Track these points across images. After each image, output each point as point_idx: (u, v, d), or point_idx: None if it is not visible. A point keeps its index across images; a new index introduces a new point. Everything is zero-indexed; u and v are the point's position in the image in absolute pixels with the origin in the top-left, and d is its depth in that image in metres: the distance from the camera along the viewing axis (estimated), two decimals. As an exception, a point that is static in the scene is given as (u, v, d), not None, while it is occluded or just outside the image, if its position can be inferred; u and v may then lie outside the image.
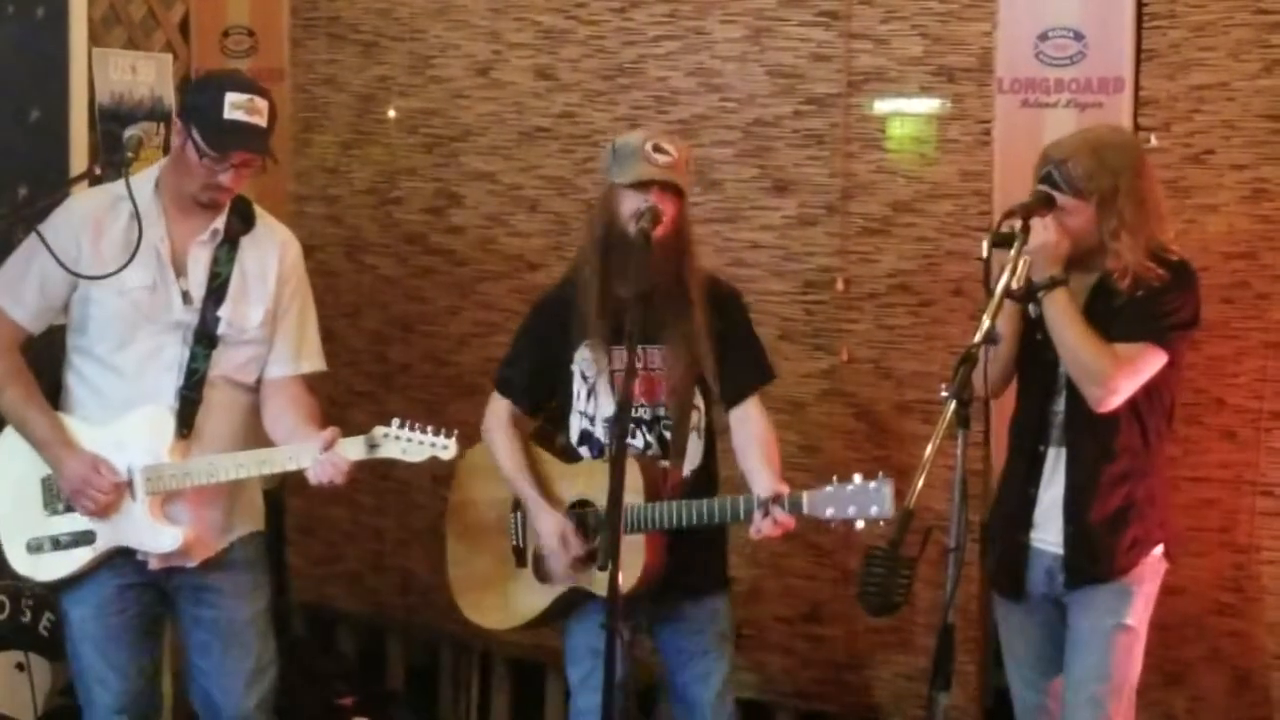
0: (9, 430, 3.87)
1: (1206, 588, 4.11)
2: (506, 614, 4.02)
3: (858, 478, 3.58)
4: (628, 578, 3.60)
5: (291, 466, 3.70)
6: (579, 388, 3.93)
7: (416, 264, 5.18)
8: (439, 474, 4.51)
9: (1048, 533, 3.69)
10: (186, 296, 3.77)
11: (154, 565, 3.82)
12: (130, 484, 3.74)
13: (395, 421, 3.64)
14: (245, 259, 3.82)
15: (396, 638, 5.46)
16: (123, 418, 3.75)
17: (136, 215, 3.65)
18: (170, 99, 5.18)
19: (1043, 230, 3.52)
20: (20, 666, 4.68)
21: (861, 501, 3.56)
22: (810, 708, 4.74)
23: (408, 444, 3.63)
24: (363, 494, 5.33)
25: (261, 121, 3.70)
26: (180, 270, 3.77)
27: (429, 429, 3.64)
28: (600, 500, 3.82)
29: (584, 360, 3.91)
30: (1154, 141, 4.09)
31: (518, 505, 3.98)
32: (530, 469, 3.94)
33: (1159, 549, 3.70)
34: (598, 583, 3.77)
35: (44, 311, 3.81)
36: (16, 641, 4.66)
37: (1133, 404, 3.58)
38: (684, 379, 3.84)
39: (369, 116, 5.32)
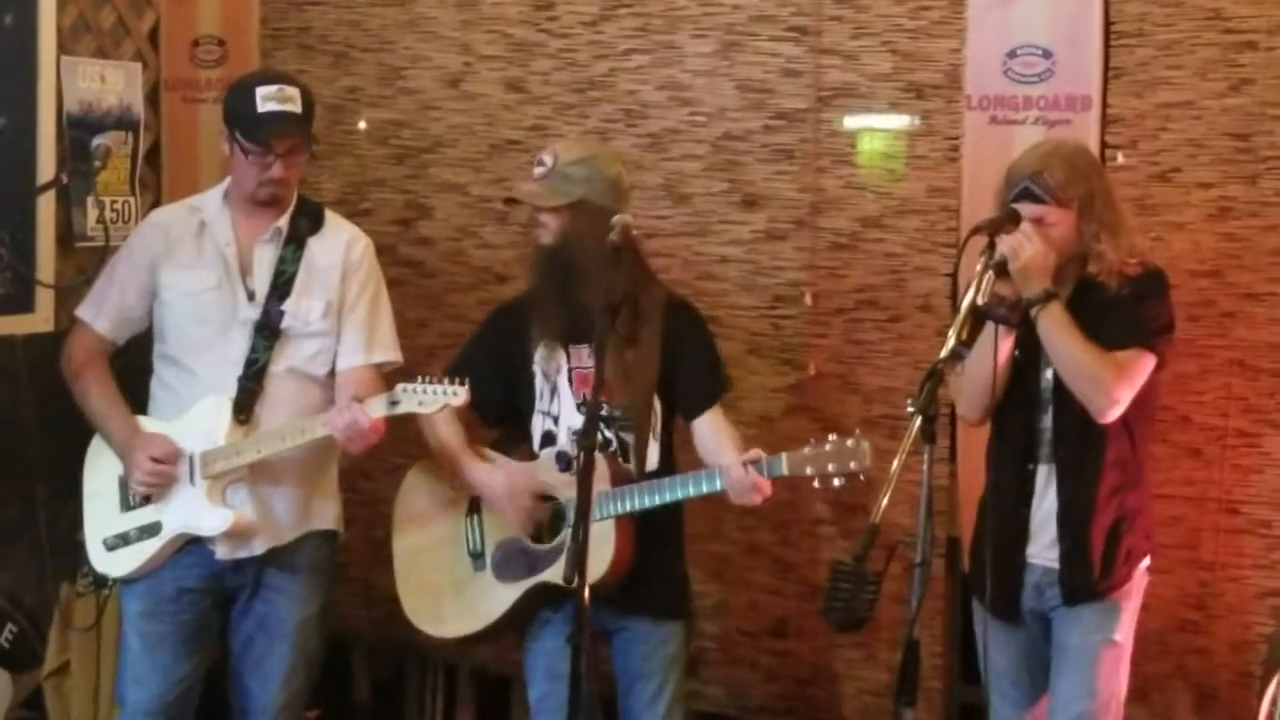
0: (97, 439, 4.02)
1: (1171, 605, 4.11)
2: (471, 618, 4.01)
3: (833, 436, 3.61)
4: (596, 567, 3.58)
5: (325, 431, 3.78)
6: (540, 387, 3.95)
7: (385, 275, 5.15)
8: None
9: (1037, 547, 3.68)
10: (251, 293, 3.91)
11: (220, 553, 3.89)
12: (191, 469, 3.86)
13: (420, 378, 3.71)
14: (313, 256, 3.97)
15: (361, 651, 5.43)
16: (188, 410, 3.89)
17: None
18: (139, 108, 5.14)
19: (1029, 243, 3.49)
20: (-20, 678, 4.65)
21: (840, 458, 3.59)
22: (776, 723, 4.74)
23: (424, 396, 3.69)
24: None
25: (295, 108, 3.88)
26: (246, 270, 3.93)
27: (443, 380, 3.70)
28: (562, 494, 3.82)
29: (542, 359, 3.94)
30: (1121, 159, 4.10)
31: (472, 510, 3.98)
32: (468, 445, 3.98)
33: (1146, 561, 3.71)
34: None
35: (124, 321, 4.02)
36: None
37: (1122, 415, 3.58)
38: (640, 382, 3.85)
39: (339, 128, 5.29)
